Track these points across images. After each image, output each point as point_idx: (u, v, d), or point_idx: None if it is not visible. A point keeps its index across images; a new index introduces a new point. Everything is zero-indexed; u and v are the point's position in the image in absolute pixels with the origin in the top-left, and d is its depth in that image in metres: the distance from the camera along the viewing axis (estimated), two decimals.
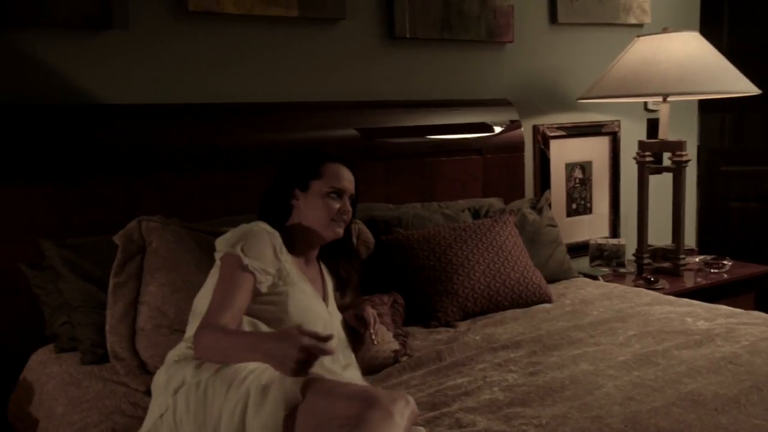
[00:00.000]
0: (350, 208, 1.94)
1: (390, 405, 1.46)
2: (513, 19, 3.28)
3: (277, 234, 1.80)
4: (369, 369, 1.98)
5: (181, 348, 1.69)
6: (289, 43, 2.78)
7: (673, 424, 1.60)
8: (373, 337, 1.87)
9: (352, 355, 1.90)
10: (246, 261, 1.69)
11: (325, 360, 1.71)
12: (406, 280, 2.47)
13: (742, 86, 3.11)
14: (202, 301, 1.74)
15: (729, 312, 2.42)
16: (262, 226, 1.79)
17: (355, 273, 2.14)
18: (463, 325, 2.37)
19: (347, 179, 1.93)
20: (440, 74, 3.18)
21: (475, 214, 2.87)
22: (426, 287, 2.45)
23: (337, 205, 1.89)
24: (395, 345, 2.07)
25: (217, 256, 1.75)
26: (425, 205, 2.84)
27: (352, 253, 2.10)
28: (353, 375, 1.79)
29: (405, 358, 2.06)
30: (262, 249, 1.73)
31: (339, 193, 1.90)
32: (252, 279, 1.70)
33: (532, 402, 1.74)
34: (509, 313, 2.47)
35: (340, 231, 1.92)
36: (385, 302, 2.23)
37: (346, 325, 1.96)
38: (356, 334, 1.96)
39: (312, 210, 1.89)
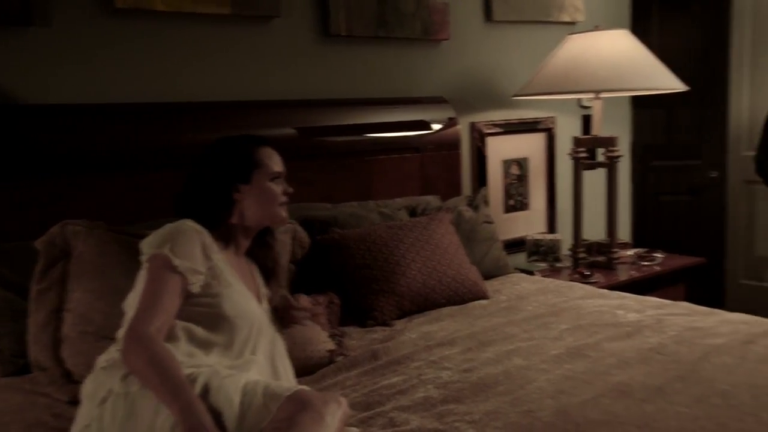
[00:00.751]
0: (289, 190, 1.92)
1: (322, 407, 1.46)
2: (448, 17, 3.29)
3: (206, 232, 1.75)
4: (303, 370, 1.96)
5: (111, 352, 1.64)
6: (222, 41, 2.73)
7: (602, 414, 1.63)
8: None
9: (287, 360, 1.87)
10: (175, 261, 1.64)
11: (259, 360, 1.70)
12: (343, 280, 2.46)
13: (671, 83, 3.19)
14: (132, 306, 1.70)
15: (658, 303, 2.49)
16: (190, 225, 1.74)
17: (278, 262, 2.10)
18: (399, 324, 2.37)
19: (279, 161, 1.91)
20: (377, 72, 3.17)
21: (412, 212, 2.87)
22: (362, 286, 2.44)
23: (281, 189, 1.88)
24: (330, 345, 2.06)
25: (144, 258, 1.70)
26: (362, 204, 2.83)
27: (273, 240, 2.03)
28: (286, 378, 1.77)
29: (340, 358, 2.05)
30: (191, 248, 1.69)
31: (279, 177, 1.88)
32: (182, 280, 1.65)
33: (465, 398, 1.75)
34: (446, 310, 2.48)
35: (286, 214, 1.91)
36: (321, 302, 2.21)
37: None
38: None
39: (259, 200, 1.84)
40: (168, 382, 1.46)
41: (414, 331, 2.28)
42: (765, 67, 4.14)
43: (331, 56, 3.02)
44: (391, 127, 3.11)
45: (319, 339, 2.03)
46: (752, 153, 4.23)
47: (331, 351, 2.04)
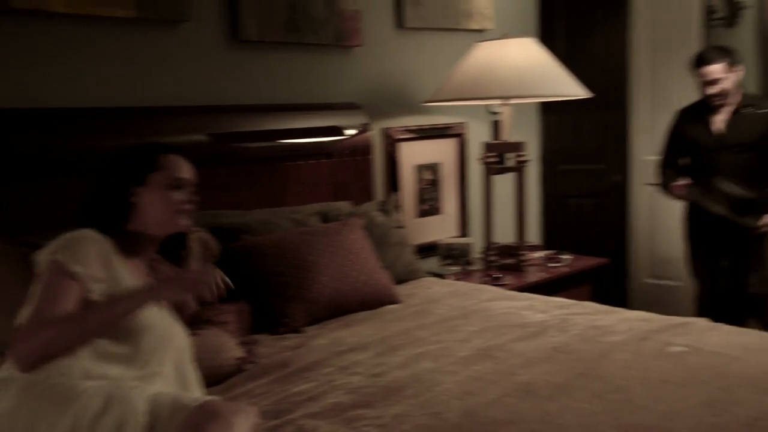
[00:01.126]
0: (194, 199, 1.84)
1: (230, 417, 1.44)
2: (360, 23, 3.32)
3: (106, 240, 1.70)
4: (212, 378, 1.93)
5: (3, 370, 1.58)
6: (128, 46, 2.67)
7: (507, 414, 1.67)
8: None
9: (195, 370, 1.83)
10: (72, 267, 1.58)
11: (166, 371, 1.66)
12: (254, 288, 2.44)
13: (575, 90, 3.30)
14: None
15: (563, 303, 2.57)
16: (87, 233, 1.68)
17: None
18: (311, 330, 2.38)
19: (187, 169, 1.83)
20: (289, 78, 3.16)
21: (324, 218, 2.88)
22: (274, 294, 2.43)
23: (180, 197, 1.79)
24: (240, 353, 2.04)
25: (39, 267, 1.63)
26: (274, 211, 2.81)
27: (184, 250, 1.96)
28: (195, 389, 1.74)
29: (250, 366, 2.03)
30: (88, 255, 1.63)
31: (180, 185, 1.80)
32: (79, 287, 1.59)
33: (375, 403, 1.77)
34: (357, 315, 2.50)
35: (186, 222, 1.82)
36: (230, 311, 2.19)
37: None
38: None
39: (155, 206, 1.77)
40: (90, 316, 1.55)
41: (325, 337, 2.29)
42: (665, 73, 4.35)
43: (243, 62, 3.00)
44: (304, 133, 3.11)
45: (228, 347, 2.01)
46: (653, 157, 4.44)
47: (240, 359, 2.02)
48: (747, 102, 3.30)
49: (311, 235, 2.60)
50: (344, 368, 2.00)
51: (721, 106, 3.29)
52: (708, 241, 3.44)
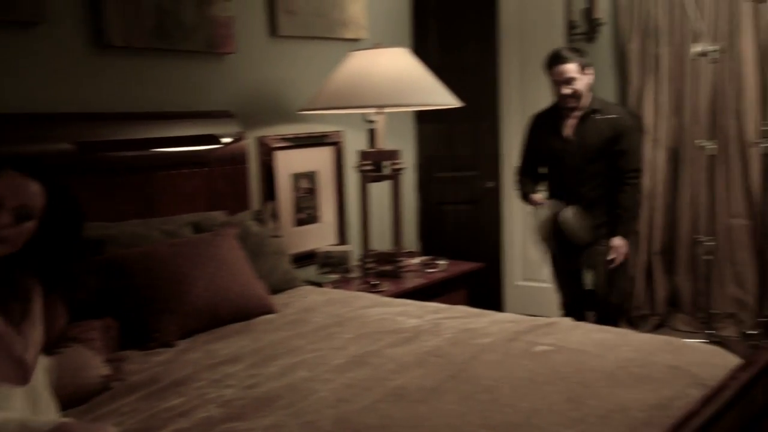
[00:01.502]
0: (7, 222, 1.59)
1: None
2: (233, 30, 3.27)
3: None
4: (75, 399, 1.84)
5: None
6: None
7: (379, 419, 1.69)
8: None
9: (50, 391, 1.73)
10: None
11: (16, 393, 1.57)
12: (122, 302, 2.36)
13: (447, 100, 3.40)
14: None
15: (436, 308, 2.64)
16: None
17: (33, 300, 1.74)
18: (183, 344, 2.32)
19: (14, 189, 1.61)
20: (160, 85, 3.08)
21: (197, 228, 2.81)
22: (143, 308, 2.35)
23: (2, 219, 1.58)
24: (105, 370, 1.96)
25: None
26: (144, 222, 2.73)
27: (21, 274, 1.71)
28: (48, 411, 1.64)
29: (117, 384, 1.96)
30: None
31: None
32: None
33: (247, 415, 1.75)
34: (231, 327, 2.46)
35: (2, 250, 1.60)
36: (95, 327, 2.10)
37: None
38: None
39: None
40: None
41: (198, 350, 2.24)
42: (532, 84, 4.55)
43: (109, 68, 2.89)
44: (176, 141, 3.03)
45: (93, 365, 1.93)
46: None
47: (106, 376, 1.94)
48: (595, 107, 3.31)
49: (182, 247, 2.53)
50: (217, 381, 1.96)
51: (573, 109, 3.29)
52: (561, 245, 3.43)
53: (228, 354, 2.18)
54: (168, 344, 2.31)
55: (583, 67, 3.25)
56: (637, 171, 3.38)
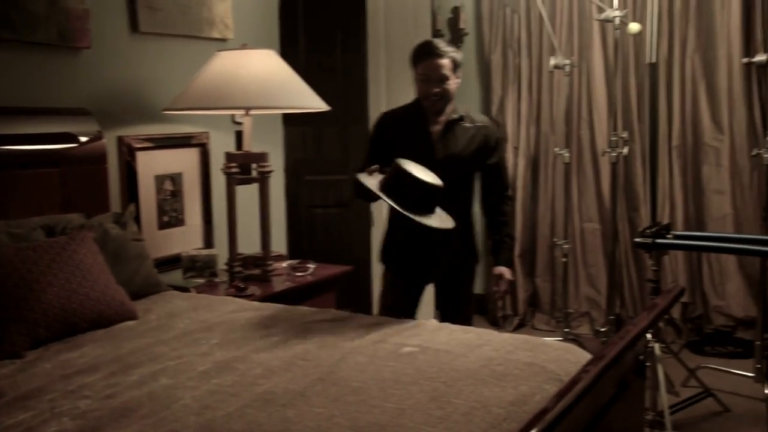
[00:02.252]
0: None
1: None
2: (89, 24, 3.11)
3: None
4: None
5: None
6: None
7: (246, 425, 1.66)
8: None
9: None
10: None
11: None
12: None
13: (315, 103, 3.39)
14: None
15: (306, 312, 2.62)
16: None
17: None
18: (32, 354, 2.17)
19: None
20: (5, 79, 2.86)
21: (50, 231, 2.64)
22: None
23: None
24: None
25: None
26: None
27: None
28: None
29: None
30: None
31: None
32: None
33: (104, 427, 1.66)
34: (89, 335, 2.33)
35: None
36: None
37: None
38: None
39: None
40: None
41: (50, 360, 2.11)
42: (397, 87, 4.63)
43: None
44: (25, 139, 2.83)
45: None
46: None
47: None
48: (461, 114, 2.95)
49: (32, 251, 2.37)
50: (71, 392, 1.85)
51: (438, 113, 2.89)
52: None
53: (84, 363, 2.06)
54: (16, 355, 2.15)
55: (456, 67, 2.84)
56: (509, 188, 3.20)
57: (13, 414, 1.73)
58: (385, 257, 3.13)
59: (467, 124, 2.96)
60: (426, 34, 4.58)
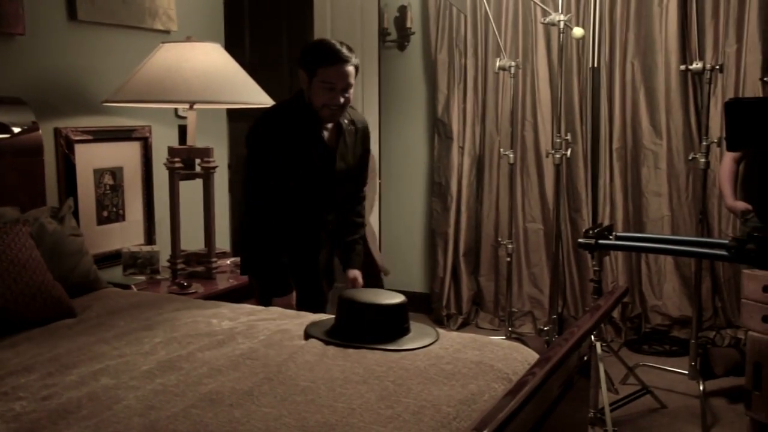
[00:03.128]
0: None
1: None
2: (23, 9, 2.99)
3: None
4: None
5: None
6: None
7: (191, 426, 1.61)
8: None
9: None
10: None
11: None
12: None
13: (259, 98, 3.34)
14: None
15: (251, 310, 2.57)
16: None
17: None
18: None
19: None
20: None
21: None
22: None
23: None
24: None
25: None
26: None
27: None
28: None
29: None
30: None
31: None
32: None
33: (42, 429, 1.59)
34: (24, 333, 2.24)
35: None
36: None
37: None
38: None
39: None
40: None
41: None
42: None
43: None
44: None
45: None
46: None
47: None
48: (350, 117, 2.77)
49: None
50: (4, 394, 1.76)
51: (331, 120, 2.67)
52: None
53: (19, 363, 1.97)
54: None
55: (356, 74, 2.63)
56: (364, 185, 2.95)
57: None
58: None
59: (352, 128, 2.78)
60: (373, 31, 4.57)
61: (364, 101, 4.62)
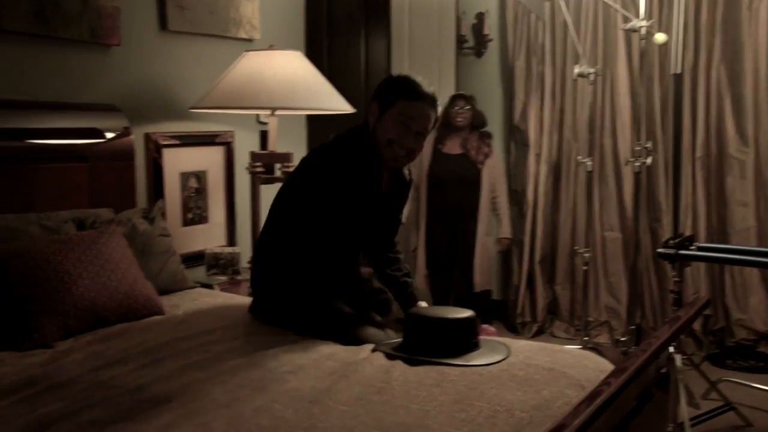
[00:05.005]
0: None
1: None
2: (119, 22, 3.15)
3: None
4: None
5: None
6: None
7: (273, 420, 1.68)
8: None
9: None
10: None
11: None
12: None
13: (339, 105, 3.41)
14: None
15: None
16: None
17: None
18: (63, 345, 2.20)
19: None
20: (37, 73, 2.91)
21: (80, 225, 2.68)
22: (19, 307, 2.22)
23: None
24: None
25: None
26: (20, 217, 2.56)
27: None
28: None
29: None
30: None
31: None
32: None
33: (136, 417, 1.68)
34: (117, 327, 2.37)
35: None
36: None
37: None
38: None
39: None
40: None
41: (81, 351, 2.14)
42: None
43: None
44: (55, 133, 2.88)
45: None
46: None
47: None
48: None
49: (64, 243, 2.41)
50: (101, 384, 1.87)
51: (394, 165, 2.47)
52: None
53: (113, 355, 2.08)
54: (47, 345, 2.19)
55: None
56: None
57: (46, 403, 1.76)
58: None
59: (404, 178, 2.58)
60: (450, 38, 4.60)
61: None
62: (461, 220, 4.21)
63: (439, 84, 4.62)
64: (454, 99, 4.23)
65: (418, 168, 4.22)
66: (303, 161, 2.47)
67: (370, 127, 2.40)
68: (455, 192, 4.19)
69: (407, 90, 2.33)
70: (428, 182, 4.24)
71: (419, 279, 4.32)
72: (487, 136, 4.27)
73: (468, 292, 4.20)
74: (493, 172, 4.23)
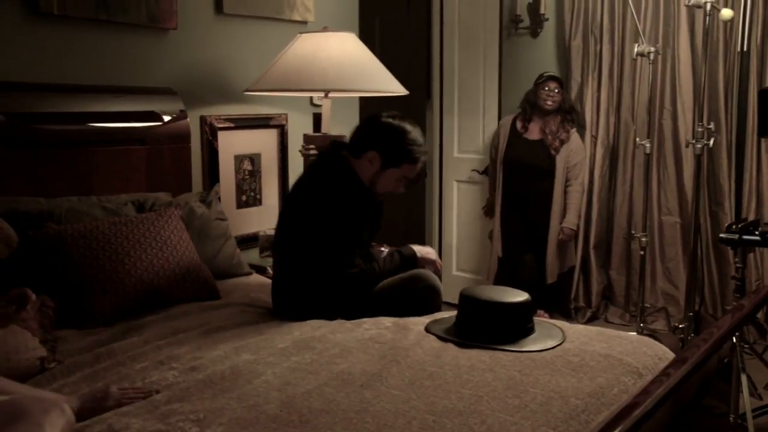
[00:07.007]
0: None
1: (41, 417, 1.35)
2: (176, 6, 3.19)
3: None
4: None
5: None
6: None
7: (324, 403, 1.69)
8: None
9: None
10: None
11: None
12: (60, 279, 2.29)
13: (393, 86, 3.39)
14: None
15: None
16: None
17: None
18: (122, 325, 2.27)
19: None
20: (97, 58, 2.97)
21: (140, 207, 2.75)
22: (82, 286, 2.29)
23: None
24: (42, 351, 1.90)
25: None
26: (82, 199, 2.64)
27: None
28: None
29: (54, 365, 1.90)
30: None
31: None
32: None
33: (191, 397, 1.72)
34: (175, 309, 2.42)
35: None
36: (32, 306, 2.02)
37: None
38: None
39: None
40: None
41: (139, 331, 2.19)
42: (470, 76, 4.60)
43: (43, 36, 2.78)
44: (115, 117, 2.95)
45: (28, 346, 1.86)
46: (461, 155, 4.71)
47: (42, 358, 1.88)
48: None
49: (124, 225, 2.47)
50: (160, 363, 1.93)
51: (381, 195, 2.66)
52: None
53: (171, 336, 2.14)
54: (108, 324, 2.25)
55: None
56: None
57: (108, 380, 1.81)
58: None
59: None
60: (494, 20, 4.56)
61: (485, 90, 4.61)
62: (534, 210, 4.21)
63: (484, 66, 4.58)
64: (545, 80, 4.18)
65: (495, 152, 4.21)
66: (304, 200, 2.55)
67: (367, 173, 2.52)
68: (528, 180, 4.20)
69: (413, 154, 2.51)
70: (503, 168, 4.25)
71: (493, 260, 4.36)
72: (569, 122, 4.21)
73: (539, 282, 4.21)
74: (569, 160, 4.17)
